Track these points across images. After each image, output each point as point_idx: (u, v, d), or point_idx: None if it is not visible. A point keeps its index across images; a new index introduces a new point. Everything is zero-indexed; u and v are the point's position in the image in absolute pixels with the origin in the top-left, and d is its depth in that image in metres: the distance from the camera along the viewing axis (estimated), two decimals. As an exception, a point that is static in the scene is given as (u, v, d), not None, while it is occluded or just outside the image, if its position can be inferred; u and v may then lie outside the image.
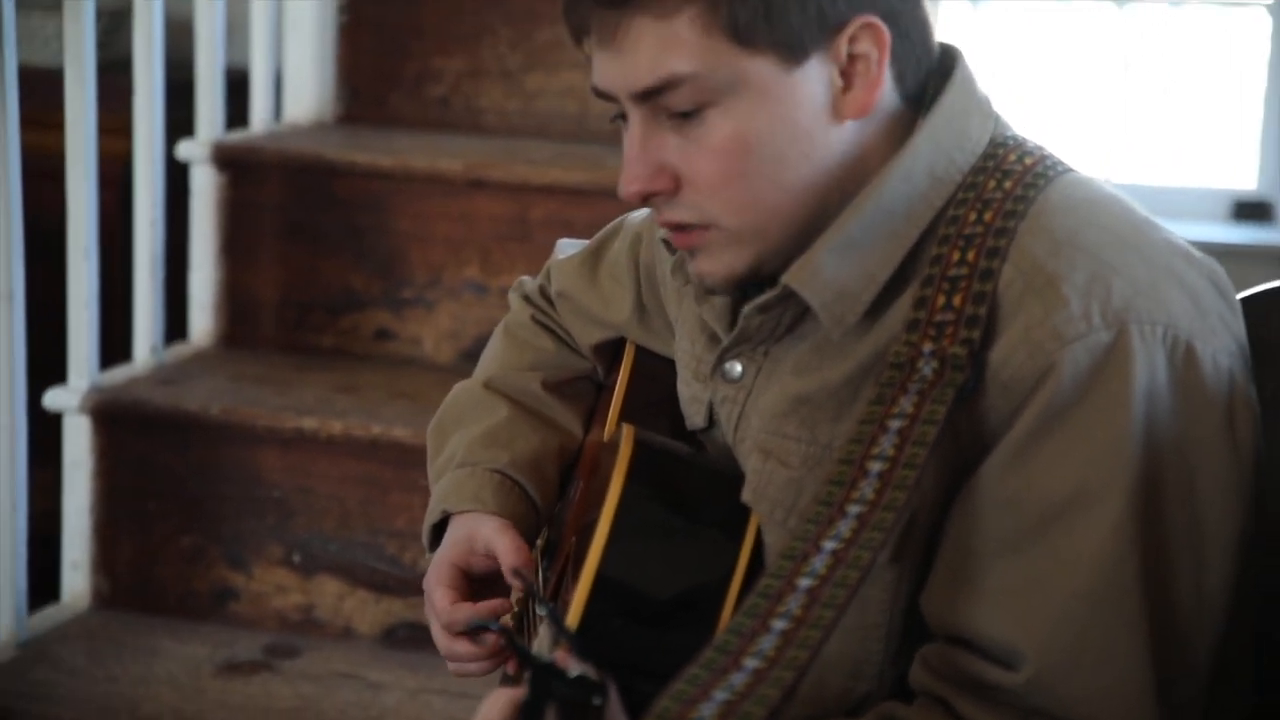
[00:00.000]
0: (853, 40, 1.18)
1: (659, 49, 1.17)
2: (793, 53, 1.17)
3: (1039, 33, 3.57)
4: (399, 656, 2.47)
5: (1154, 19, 3.54)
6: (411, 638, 2.50)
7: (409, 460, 2.48)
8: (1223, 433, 1.15)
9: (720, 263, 1.24)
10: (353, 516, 2.52)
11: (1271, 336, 1.32)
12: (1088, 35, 3.56)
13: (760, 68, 1.17)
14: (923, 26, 1.24)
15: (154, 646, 2.48)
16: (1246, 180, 3.49)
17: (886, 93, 1.21)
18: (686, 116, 1.19)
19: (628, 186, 1.22)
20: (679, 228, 1.24)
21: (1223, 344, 1.17)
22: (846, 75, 1.19)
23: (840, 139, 1.20)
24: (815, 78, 1.19)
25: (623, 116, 1.24)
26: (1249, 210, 3.46)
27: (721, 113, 1.19)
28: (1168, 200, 3.44)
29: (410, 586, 2.51)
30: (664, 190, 1.22)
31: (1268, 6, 3.41)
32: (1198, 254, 1.23)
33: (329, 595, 2.54)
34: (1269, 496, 1.21)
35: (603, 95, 1.23)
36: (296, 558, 2.55)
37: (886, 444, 1.14)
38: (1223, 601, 1.15)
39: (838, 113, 1.20)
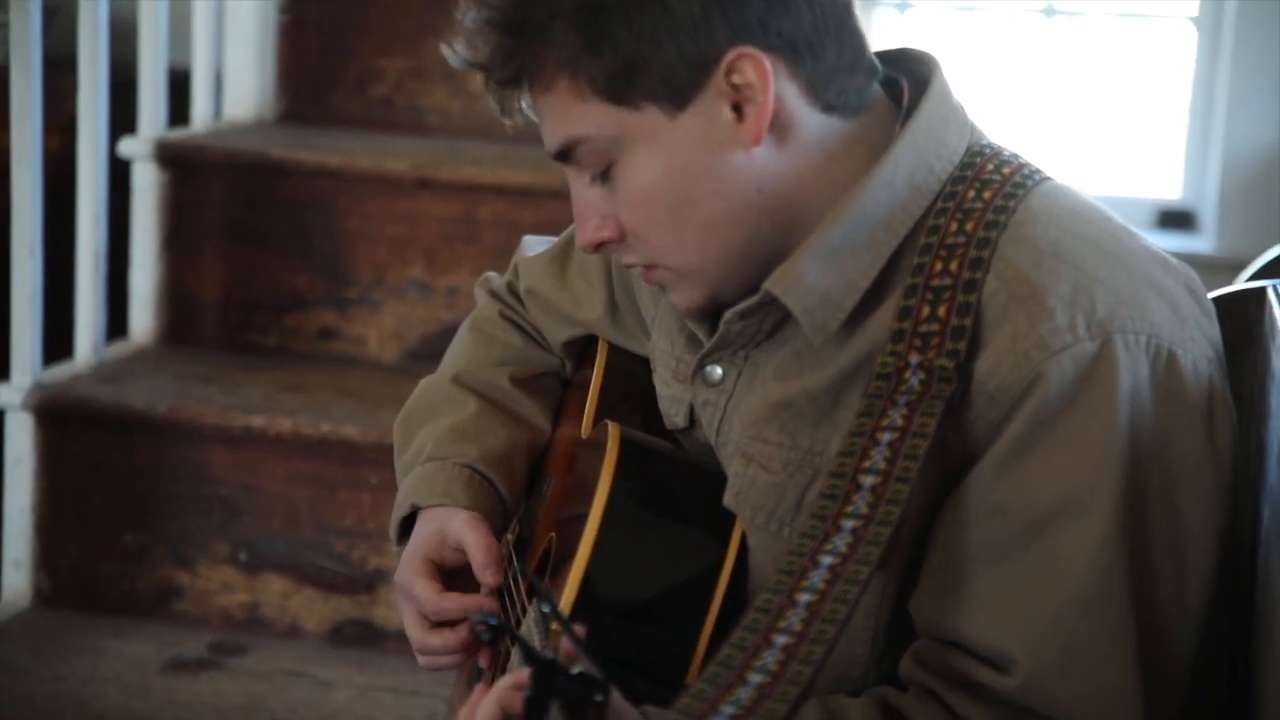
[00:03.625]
0: (731, 72, 1.20)
1: (554, 117, 1.23)
2: (671, 100, 1.20)
3: (967, 41, 3.62)
4: (347, 654, 2.48)
5: (1081, 30, 3.60)
6: (359, 636, 2.51)
7: (357, 459, 2.48)
8: (1204, 438, 1.18)
9: (682, 295, 1.29)
10: (300, 515, 2.52)
11: (1232, 339, 1.34)
12: (1015, 45, 3.62)
13: (643, 120, 1.21)
14: (839, 37, 1.23)
15: (98, 645, 2.47)
16: (1171, 190, 3.55)
17: (799, 113, 1.23)
18: (603, 178, 1.24)
19: (581, 239, 1.28)
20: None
21: (1202, 350, 1.20)
22: (738, 106, 1.21)
23: (751, 167, 1.22)
24: (705, 116, 1.21)
25: None
26: (1173, 219, 3.53)
27: (624, 168, 1.23)
28: (1094, 208, 3.48)
29: (358, 585, 2.51)
30: (613, 238, 1.27)
31: (1192, 19, 3.48)
32: (1174, 261, 1.25)
33: (275, 593, 2.54)
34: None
35: None
36: (243, 556, 2.54)
37: (878, 457, 1.16)
38: (1203, 604, 1.18)
39: (736, 144, 1.22)
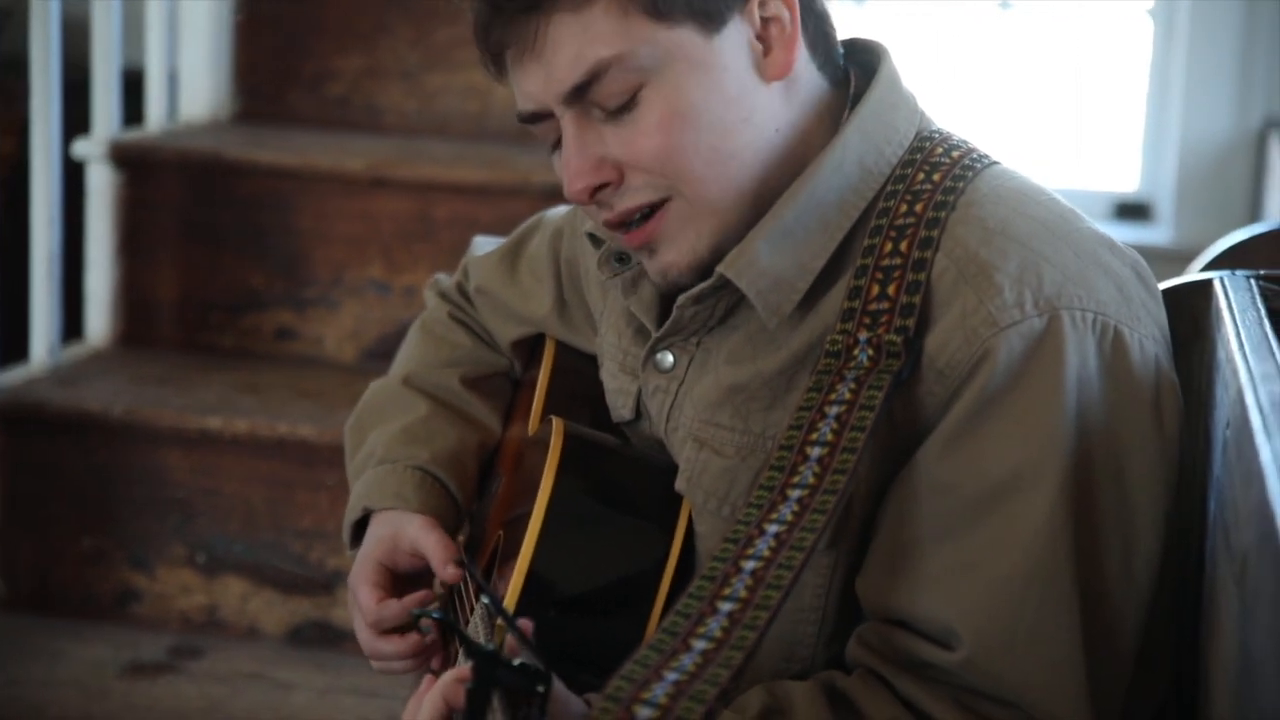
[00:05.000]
0: (763, 4, 1.22)
1: (581, 42, 1.20)
2: (710, 19, 1.21)
3: (923, 33, 3.62)
4: (306, 656, 2.47)
5: (1037, 21, 3.61)
6: (318, 637, 2.49)
7: (314, 459, 2.47)
8: (1150, 416, 1.19)
9: (683, 246, 1.25)
10: (258, 516, 2.51)
11: (1180, 330, 1.35)
12: (971, 36, 3.62)
13: (682, 39, 1.21)
14: (824, 4, 1.29)
15: (56, 649, 2.45)
16: (1128, 182, 3.56)
17: (804, 62, 1.26)
18: (621, 109, 1.21)
19: (574, 184, 1.24)
20: (633, 221, 1.25)
21: (1148, 331, 1.21)
22: (763, 39, 1.23)
23: (771, 105, 1.24)
24: (735, 42, 1.22)
25: (557, 144, 1.26)
26: (1130, 211, 3.54)
27: (654, 90, 1.21)
28: (1051, 200, 3.50)
29: (317, 585, 2.50)
30: (610, 181, 1.24)
31: (1149, 10, 3.49)
32: (1121, 244, 1.26)
33: (233, 595, 2.53)
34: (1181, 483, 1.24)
35: (532, 117, 1.26)
36: (200, 558, 2.53)
37: (826, 429, 1.16)
38: (1149, 582, 1.19)
39: (763, 74, 1.23)
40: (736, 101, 1.22)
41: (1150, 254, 3.32)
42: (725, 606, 1.08)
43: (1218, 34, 3.33)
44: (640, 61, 1.20)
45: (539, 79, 1.22)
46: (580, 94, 1.22)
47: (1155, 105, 3.49)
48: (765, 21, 1.23)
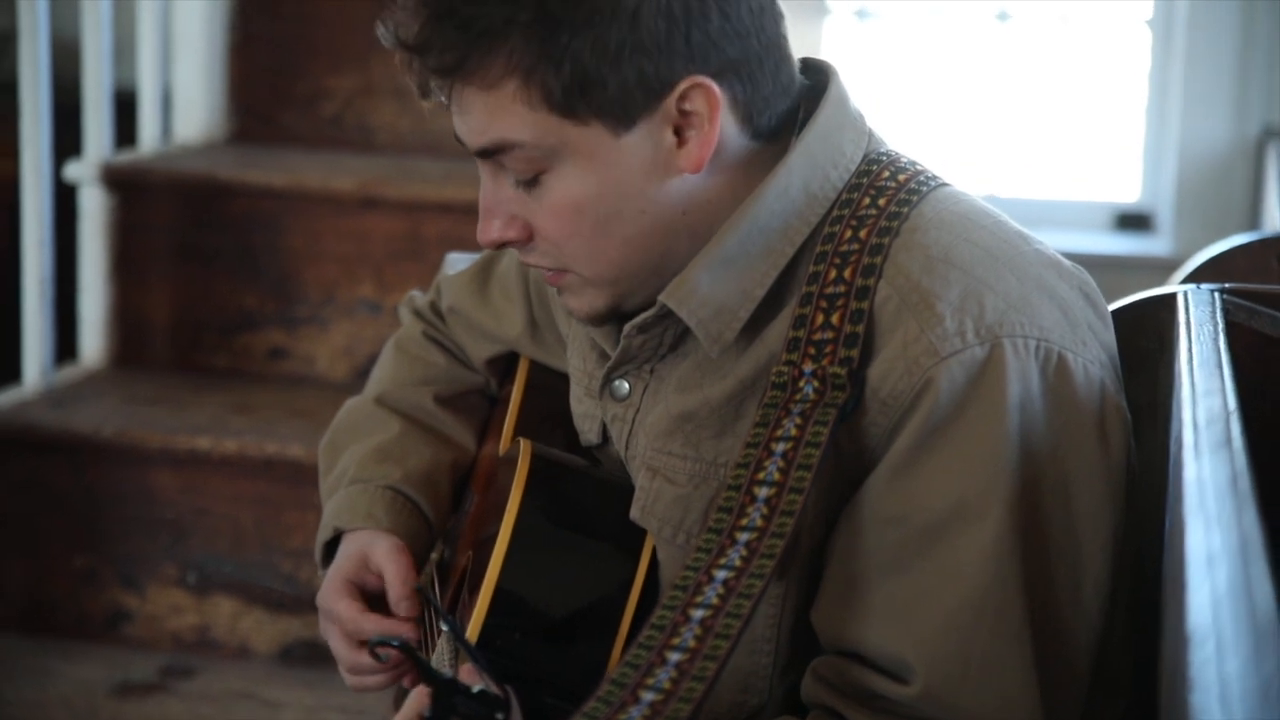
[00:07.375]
0: (683, 99, 1.19)
1: (488, 116, 1.19)
2: (619, 120, 1.18)
3: (924, 48, 3.62)
4: (296, 675, 2.47)
5: (1036, 33, 3.61)
6: (308, 656, 2.50)
7: (304, 479, 2.47)
8: (1095, 441, 1.18)
9: (582, 301, 1.27)
10: (248, 536, 2.52)
11: (1146, 345, 1.35)
12: (972, 50, 3.62)
13: (587, 135, 1.18)
14: (775, 65, 1.23)
15: (46, 669, 2.46)
16: (1129, 192, 3.56)
17: (730, 139, 1.22)
18: (528, 183, 1.21)
19: (483, 236, 1.25)
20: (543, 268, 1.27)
21: (1093, 354, 1.20)
22: (681, 130, 1.20)
23: (679, 190, 1.21)
24: (646, 139, 1.19)
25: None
26: (1130, 221, 3.53)
27: (555, 176, 1.20)
28: (1051, 212, 3.51)
29: (306, 604, 2.50)
30: (518, 239, 1.24)
31: (1147, 21, 3.49)
32: (1068, 264, 1.25)
33: (224, 615, 2.53)
34: (1142, 502, 1.23)
35: (461, 143, 1.26)
36: (191, 578, 2.53)
37: (772, 468, 1.15)
38: (1099, 606, 1.18)
39: (674, 168, 1.20)
40: (635, 197, 1.20)
41: (1152, 264, 3.30)
42: (674, 657, 1.07)
43: (1215, 44, 3.33)
44: (542, 151, 1.19)
45: (459, 127, 1.22)
46: (488, 156, 1.21)
47: (1154, 116, 3.48)
48: (685, 115, 1.19)
